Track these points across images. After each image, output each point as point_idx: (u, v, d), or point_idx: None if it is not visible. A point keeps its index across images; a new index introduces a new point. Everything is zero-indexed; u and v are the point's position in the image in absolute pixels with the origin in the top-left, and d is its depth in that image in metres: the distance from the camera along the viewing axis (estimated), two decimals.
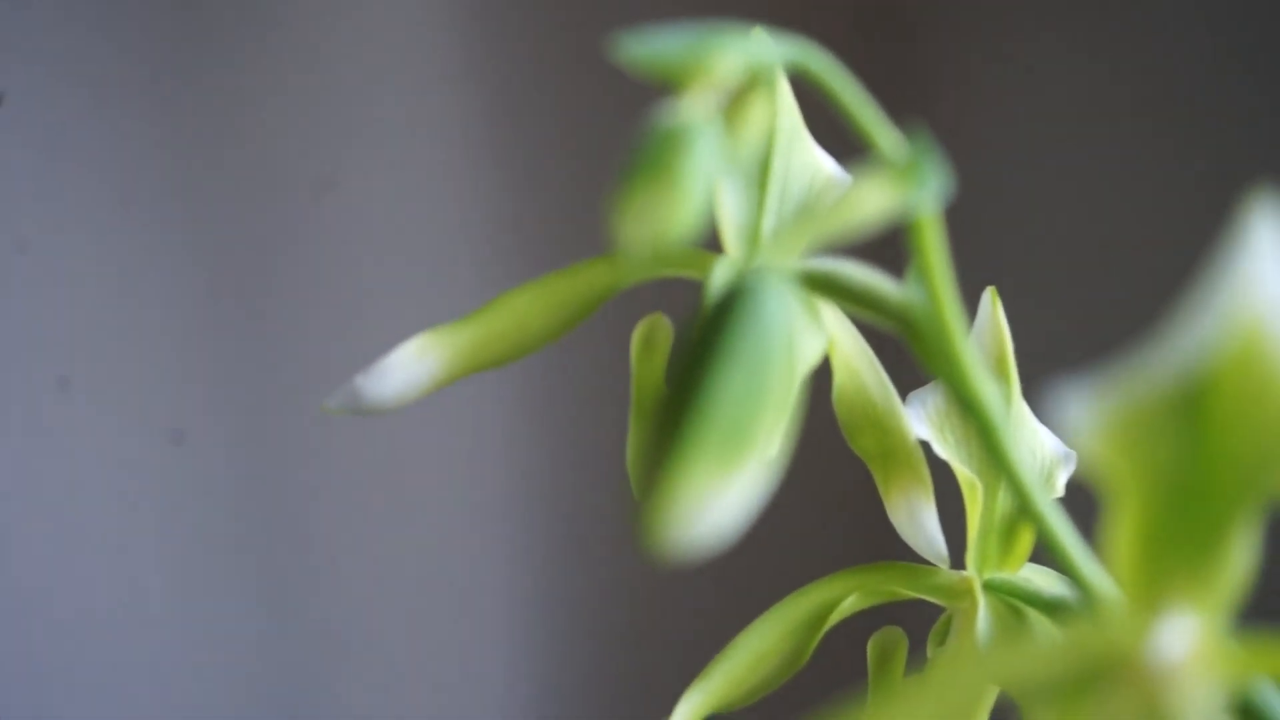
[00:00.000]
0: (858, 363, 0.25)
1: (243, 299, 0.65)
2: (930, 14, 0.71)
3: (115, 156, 0.62)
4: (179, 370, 0.64)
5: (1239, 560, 0.16)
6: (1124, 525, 0.17)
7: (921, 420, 0.26)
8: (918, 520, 0.26)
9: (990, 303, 0.27)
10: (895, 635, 0.27)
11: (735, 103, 0.20)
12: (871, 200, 0.18)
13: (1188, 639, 0.16)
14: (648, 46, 0.17)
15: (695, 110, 0.17)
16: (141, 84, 0.62)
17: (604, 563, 0.73)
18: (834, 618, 0.27)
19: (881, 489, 0.26)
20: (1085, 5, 0.64)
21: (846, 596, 0.26)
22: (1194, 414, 0.15)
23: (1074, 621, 0.25)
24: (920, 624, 0.27)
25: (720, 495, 0.16)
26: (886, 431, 0.26)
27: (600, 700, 0.74)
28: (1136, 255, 0.62)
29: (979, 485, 0.26)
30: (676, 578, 0.72)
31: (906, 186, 0.18)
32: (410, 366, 0.22)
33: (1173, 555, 0.16)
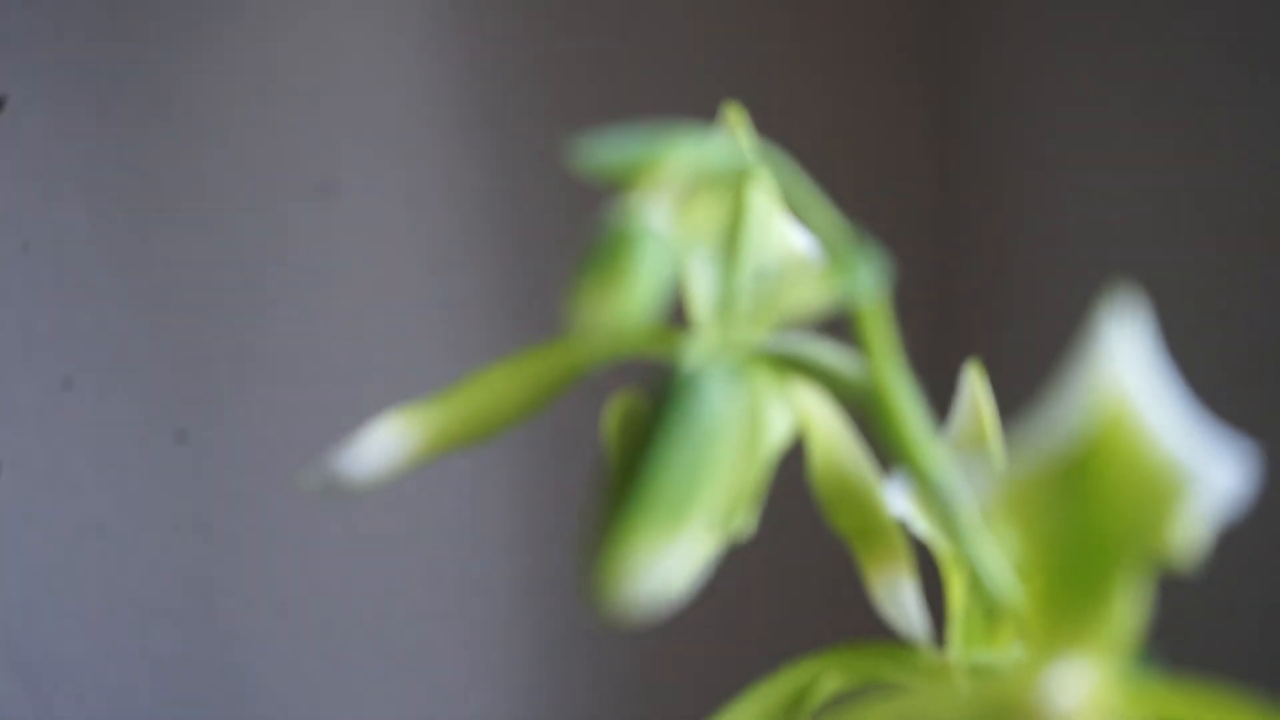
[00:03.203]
0: (832, 440, 0.31)
1: (245, 299, 0.74)
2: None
3: (117, 158, 0.70)
4: (182, 370, 0.73)
5: (1126, 610, 0.22)
6: (1027, 587, 0.23)
7: (899, 498, 0.32)
8: (897, 599, 0.32)
9: (971, 380, 0.33)
10: None
11: (703, 189, 0.27)
12: (810, 290, 0.24)
13: (1078, 684, 0.22)
14: (599, 153, 0.23)
15: (646, 208, 0.24)
16: (142, 87, 0.71)
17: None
18: (814, 701, 0.32)
19: (861, 568, 0.32)
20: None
21: (824, 678, 0.32)
22: (1073, 487, 0.21)
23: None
24: None
25: (663, 558, 0.23)
26: (864, 509, 0.31)
27: None
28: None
29: (959, 562, 0.32)
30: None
31: (842, 279, 0.24)
32: (386, 447, 0.27)
33: (1064, 609, 0.22)
